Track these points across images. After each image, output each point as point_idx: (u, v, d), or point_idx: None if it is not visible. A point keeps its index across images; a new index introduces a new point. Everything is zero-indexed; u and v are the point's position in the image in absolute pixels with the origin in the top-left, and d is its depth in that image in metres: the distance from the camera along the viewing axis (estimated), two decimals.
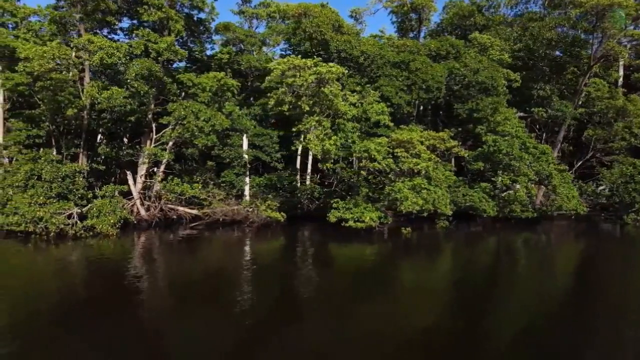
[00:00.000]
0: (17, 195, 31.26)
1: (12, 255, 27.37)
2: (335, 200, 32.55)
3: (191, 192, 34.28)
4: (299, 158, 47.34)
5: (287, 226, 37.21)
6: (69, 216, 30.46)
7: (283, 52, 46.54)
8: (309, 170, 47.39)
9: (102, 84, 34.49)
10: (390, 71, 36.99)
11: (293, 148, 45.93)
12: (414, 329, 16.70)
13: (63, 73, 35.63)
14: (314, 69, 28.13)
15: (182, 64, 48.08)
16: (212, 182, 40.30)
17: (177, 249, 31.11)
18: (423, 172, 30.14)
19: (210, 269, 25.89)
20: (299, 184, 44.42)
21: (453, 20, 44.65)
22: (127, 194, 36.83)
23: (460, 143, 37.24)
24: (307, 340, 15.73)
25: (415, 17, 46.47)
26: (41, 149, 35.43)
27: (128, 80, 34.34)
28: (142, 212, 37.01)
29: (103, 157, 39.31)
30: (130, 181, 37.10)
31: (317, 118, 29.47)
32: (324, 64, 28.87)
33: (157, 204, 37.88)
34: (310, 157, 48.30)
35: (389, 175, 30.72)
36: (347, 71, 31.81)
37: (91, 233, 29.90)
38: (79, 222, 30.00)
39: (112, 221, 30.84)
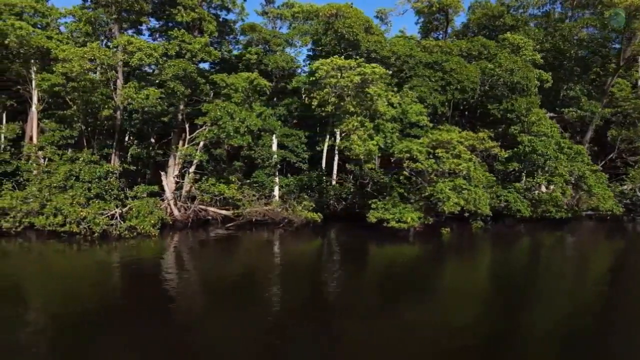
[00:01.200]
0: (56, 196, 31.30)
1: (57, 255, 27.46)
2: (373, 200, 32.54)
3: (229, 193, 34.28)
4: (324, 158, 47.42)
5: (320, 227, 37.13)
6: (111, 217, 30.47)
7: (309, 53, 46.52)
8: (334, 170, 47.48)
9: (138, 84, 34.49)
10: (423, 71, 36.97)
11: (318, 148, 46.05)
12: (465, 329, 16.70)
13: (95, 74, 35.82)
14: (358, 69, 28.13)
15: (206, 64, 48.26)
16: (239, 183, 40.38)
17: (217, 249, 31.15)
18: (464, 172, 30.13)
19: (252, 269, 25.90)
20: (327, 184, 44.42)
21: (482, 21, 44.62)
22: (154, 195, 36.44)
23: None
24: (350, 340, 15.75)
25: (441, 17, 46.44)
26: (82, 150, 35.52)
27: (164, 81, 34.45)
28: (176, 212, 37.03)
29: (133, 157, 39.39)
30: (164, 181, 37.14)
31: (359, 119, 29.46)
32: (367, 65, 28.88)
33: (189, 205, 37.94)
34: (336, 157, 48.41)
35: (432, 176, 30.66)
36: (390, 72, 31.83)
37: (135, 233, 29.89)
38: (122, 222, 29.98)
39: (152, 222, 30.87)
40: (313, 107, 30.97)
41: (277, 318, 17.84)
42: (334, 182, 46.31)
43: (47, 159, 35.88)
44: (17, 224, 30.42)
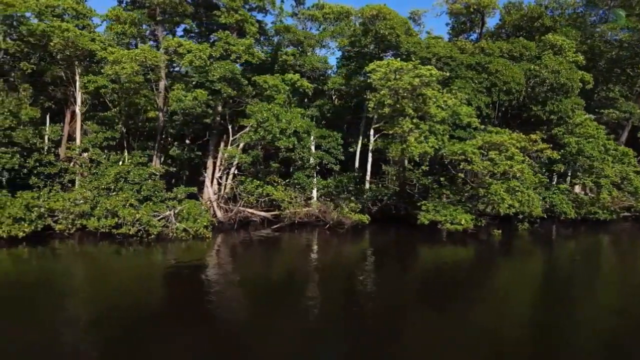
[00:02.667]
0: (107, 198, 31.32)
1: (116, 258, 27.50)
2: (423, 202, 32.53)
3: (277, 195, 34.29)
4: (357, 159, 47.43)
5: (361, 228, 37.01)
6: (164, 218, 30.49)
7: (345, 54, 46.43)
8: (368, 172, 47.50)
9: (185, 86, 34.52)
10: (465, 73, 36.93)
11: (350, 150, 46.07)
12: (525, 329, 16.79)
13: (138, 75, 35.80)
14: (416, 71, 28.15)
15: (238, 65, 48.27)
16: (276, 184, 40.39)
17: (268, 251, 31.23)
18: (518, 174, 30.11)
19: (309, 269, 26.13)
20: (363, 186, 44.41)
21: (518, 22, 44.55)
22: (192, 197, 36.34)
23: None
24: (413, 341, 15.82)
25: (476, 18, 46.35)
26: (127, 152, 35.58)
27: (202, 83, 34.46)
28: (219, 213, 37.07)
29: (173, 159, 39.41)
30: (207, 183, 37.19)
31: (414, 120, 29.46)
32: (422, 67, 28.89)
33: (230, 206, 37.97)
34: (369, 159, 48.43)
35: (486, 177, 30.62)
36: (447, 74, 31.80)
37: (190, 235, 29.89)
38: (177, 224, 29.98)
39: (204, 223, 30.90)
40: (370, 109, 30.93)
41: (339, 318, 17.98)
42: (367, 184, 46.38)
43: (95, 161, 35.82)
44: (70, 226, 30.47)
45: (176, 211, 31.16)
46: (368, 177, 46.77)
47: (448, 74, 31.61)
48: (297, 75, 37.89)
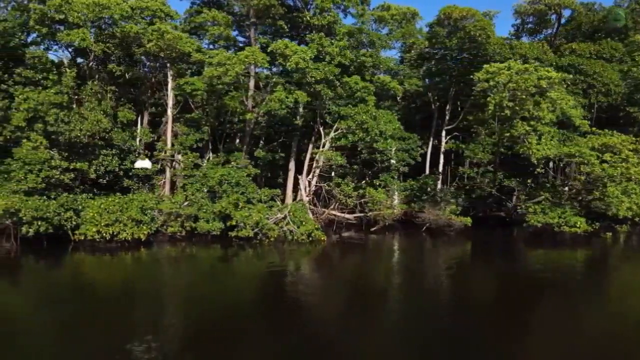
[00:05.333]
0: (207, 200, 31.19)
1: (245, 261, 27.38)
2: (529, 204, 32.35)
3: (380, 197, 34.13)
4: (427, 161, 47.29)
5: (463, 230, 36.50)
6: (278, 221, 30.38)
7: (422, 54, 46.32)
8: (440, 172, 47.39)
9: (284, 88, 34.40)
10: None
11: (421, 151, 45.87)
12: None
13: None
14: (539, 73, 27.97)
15: None
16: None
17: (380, 253, 31.18)
18: (635, 176, 29.87)
19: (431, 273, 26.03)
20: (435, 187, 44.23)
21: (600, 23, 44.21)
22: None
23: None
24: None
25: (547, 18, 46.12)
26: (213, 153, 35.51)
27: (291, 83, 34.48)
28: (310, 215, 36.92)
29: (260, 160, 39.31)
30: (300, 185, 37.05)
31: (532, 123, 29.29)
32: (541, 69, 28.72)
33: (318, 208, 37.88)
34: (441, 160, 48.31)
35: (605, 180, 30.34)
36: (570, 76, 31.64)
37: (306, 238, 29.73)
38: (297, 228, 29.83)
39: (316, 226, 30.79)
40: (489, 111, 30.75)
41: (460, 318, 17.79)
42: (439, 186, 46.19)
43: (192, 163, 35.77)
44: (180, 228, 30.41)
45: (286, 214, 30.98)
46: (439, 178, 46.73)
47: (571, 76, 31.39)
48: (388, 77, 37.73)
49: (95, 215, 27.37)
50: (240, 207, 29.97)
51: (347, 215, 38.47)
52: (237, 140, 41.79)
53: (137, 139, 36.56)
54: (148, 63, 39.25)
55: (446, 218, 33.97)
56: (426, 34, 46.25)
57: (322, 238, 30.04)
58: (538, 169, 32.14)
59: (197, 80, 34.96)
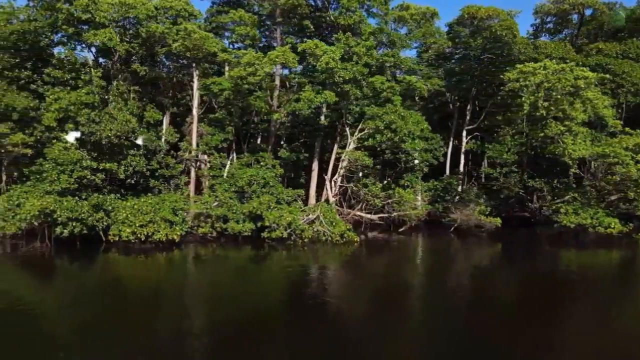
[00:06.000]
0: (236, 200, 31.06)
1: (269, 261, 27.21)
2: (559, 205, 32.21)
3: (409, 197, 33.98)
4: (447, 161, 47.12)
5: (492, 230, 36.21)
6: (311, 221, 30.21)
7: (442, 54, 46.15)
8: (461, 171, 47.29)
9: (312, 87, 34.24)
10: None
11: (443, 151, 45.66)
12: None
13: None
14: (575, 73, 27.83)
15: None
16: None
17: (406, 253, 30.96)
18: None
19: (463, 273, 25.88)
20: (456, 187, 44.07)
21: (621, 23, 44.09)
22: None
23: None
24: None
25: (568, 18, 46.03)
26: (237, 153, 35.32)
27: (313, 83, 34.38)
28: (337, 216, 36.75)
29: (284, 160, 39.15)
30: (327, 185, 36.86)
31: (566, 123, 29.15)
32: (577, 68, 28.59)
33: (343, 207, 37.70)
34: (462, 161, 48.17)
35: (638, 181, 30.21)
36: (608, 76, 31.51)
37: (340, 239, 29.54)
38: (331, 229, 29.64)
39: (347, 226, 30.63)
40: (524, 111, 30.59)
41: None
42: (460, 187, 46.05)
43: (220, 163, 35.64)
44: (211, 229, 30.23)
45: (318, 214, 30.80)
46: (459, 177, 46.61)
47: (608, 75, 31.29)
48: (414, 77, 37.57)
49: (129, 216, 27.18)
50: (271, 207, 29.75)
51: (372, 216, 38.26)
52: (259, 140, 41.68)
53: (163, 139, 36.40)
54: (169, 63, 39.15)
55: (476, 218, 33.75)
56: (445, 34, 46.13)
57: (355, 239, 29.86)
58: (572, 169, 31.97)
59: (224, 80, 34.78)
